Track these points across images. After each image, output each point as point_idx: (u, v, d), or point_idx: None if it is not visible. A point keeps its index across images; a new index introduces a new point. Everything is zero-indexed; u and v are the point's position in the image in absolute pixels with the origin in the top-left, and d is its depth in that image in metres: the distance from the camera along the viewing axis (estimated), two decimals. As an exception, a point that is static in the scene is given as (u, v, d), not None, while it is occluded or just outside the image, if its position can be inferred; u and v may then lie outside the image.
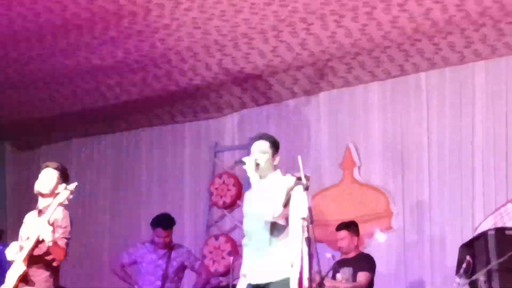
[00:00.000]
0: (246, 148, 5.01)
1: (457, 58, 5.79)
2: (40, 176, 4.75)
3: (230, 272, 5.92)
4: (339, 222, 5.76)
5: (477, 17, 5.09)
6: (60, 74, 6.63)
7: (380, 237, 6.03)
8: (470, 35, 5.35)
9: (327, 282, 5.22)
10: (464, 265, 4.85)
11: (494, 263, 4.78)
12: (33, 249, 4.50)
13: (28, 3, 5.20)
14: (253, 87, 6.78)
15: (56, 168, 4.76)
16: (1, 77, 6.76)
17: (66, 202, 4.65)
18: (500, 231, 5.06)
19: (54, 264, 4.69)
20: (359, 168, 6.38)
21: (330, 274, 5.56)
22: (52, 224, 4.60)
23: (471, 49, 5.56)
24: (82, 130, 8.27)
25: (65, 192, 4.59)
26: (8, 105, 7.59)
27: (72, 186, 4.65)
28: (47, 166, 4.82)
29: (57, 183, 4.66)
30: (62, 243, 4.59)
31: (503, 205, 5.48)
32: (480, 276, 4.71)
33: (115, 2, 5.19)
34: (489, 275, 4.77)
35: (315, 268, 4.13)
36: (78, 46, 6.05)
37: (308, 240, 3.90)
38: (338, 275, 5.35)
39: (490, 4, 4.86)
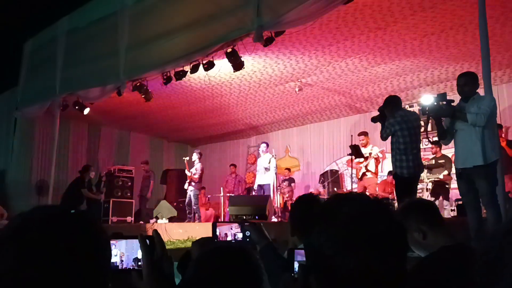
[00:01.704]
0: (259, 147, 9.76)
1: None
2: (193, 154, 9.14)
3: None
4: (286, 167, 10.50)
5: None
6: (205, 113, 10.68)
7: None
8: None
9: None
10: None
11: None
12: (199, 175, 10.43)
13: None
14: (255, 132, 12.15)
15: (197, 152, 9.25)
16: (196, 118, 10.90)
17: (188, 159, 9.49)
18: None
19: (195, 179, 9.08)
20: (289, 152, 11.77)
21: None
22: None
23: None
24: (203, 142, 13.46)
25: (196, 155, 9.39)
26: (191, 129, 12.31)
27: (197, 154, 9.38)
28: (194, 152, 9.25)
29: (199, 158, 9.28)
30: (198, 175, 9.07)
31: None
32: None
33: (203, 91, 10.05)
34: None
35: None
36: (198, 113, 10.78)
37: (276, 174, 9.41)
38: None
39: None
